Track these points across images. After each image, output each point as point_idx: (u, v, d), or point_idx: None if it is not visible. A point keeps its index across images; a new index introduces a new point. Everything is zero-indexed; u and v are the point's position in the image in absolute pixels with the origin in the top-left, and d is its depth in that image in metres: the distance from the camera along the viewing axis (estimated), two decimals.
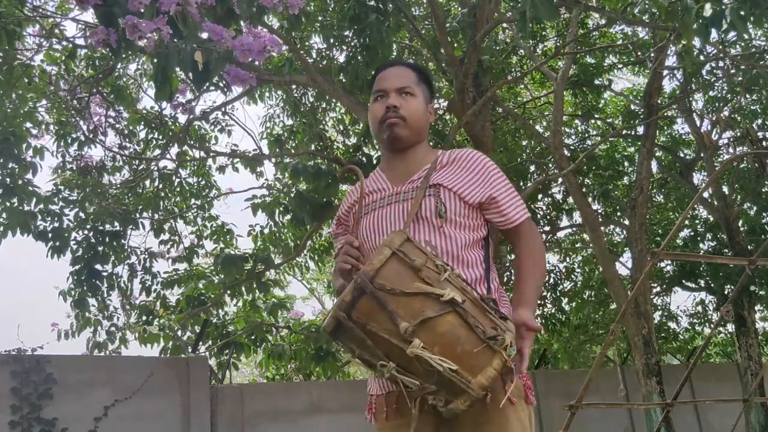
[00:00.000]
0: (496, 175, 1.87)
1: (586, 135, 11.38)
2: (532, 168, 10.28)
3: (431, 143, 7.42)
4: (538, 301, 10.12)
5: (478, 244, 1.83)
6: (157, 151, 7.79)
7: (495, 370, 1.47)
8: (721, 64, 8.46)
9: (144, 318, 7.71)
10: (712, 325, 11.54)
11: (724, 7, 3.16)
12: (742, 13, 3.15)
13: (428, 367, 1.45)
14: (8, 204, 6.32)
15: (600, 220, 9.82)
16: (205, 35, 1.80)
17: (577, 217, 10.55)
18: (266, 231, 8.33)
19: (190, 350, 7.25)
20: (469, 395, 1.46)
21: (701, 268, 11.17)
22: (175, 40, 1.74)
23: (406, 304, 1.48)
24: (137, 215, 7.52)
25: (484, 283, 1.78)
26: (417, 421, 1.63)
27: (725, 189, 10.57)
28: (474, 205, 1.82)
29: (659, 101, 9.10)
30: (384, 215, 1.83)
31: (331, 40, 6.50)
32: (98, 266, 7.09)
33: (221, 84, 6.64)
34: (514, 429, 1.66)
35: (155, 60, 1.75)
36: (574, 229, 11.70)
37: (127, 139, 7.73)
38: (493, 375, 1.47)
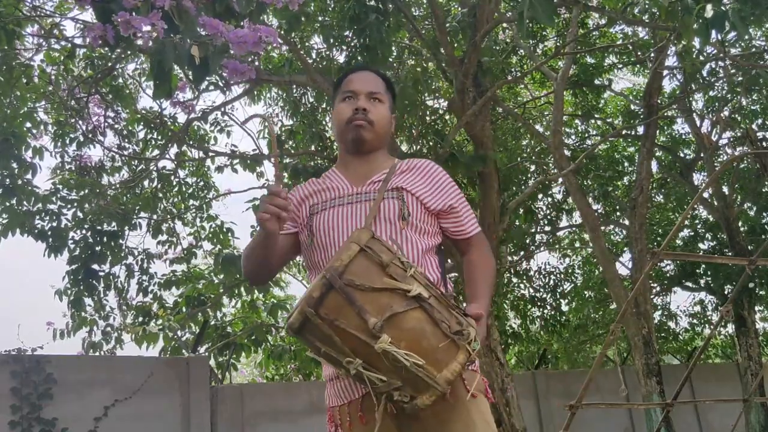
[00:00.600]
0: (453, 186, 1.94)
1: (586, 135, 11.38)
2: (532, 168, 10.28)
3: (431, 143, 7.45)
4: (539, 304, 10.07)
5: (433, 249, 1.87)
6: (156, 152, 7.78)
7: (460, 365, 1.49)
8: (721, 64, 8.46)
9: (140, 319, 7.69)
10: (712, 326, 11.54)
11: (724, 8, 3.16)
12: (743, 14, 3.15)
13: (395, 362, 1.46)
14: (8, 204, 6.32)
15: (600, 220, 9.82)
16: (201, 30, 1.79)
17: (577, 217, 10.55)
18: None
19: (189, 350, 7.25)
20: (434, 390, 1.47)
21: (701, 268, 11.17)
22: (171, 35, 1.74)
23: (374, 300, 1.49)
24: (135, 215, 7.51)
25: (441, 286, 1.81)
26: (380, 426, 1.62)
27: (725, 189, 10.58)
28: (433, 212, 1.87)
29: (659, 101, 9.10)
30: (344, 213, 1.84)
31: (331, 40, 6.50)
32: (95, 266, 7.09)
33: (221, 83, 6.65)
34: (477, 422, 1.67)
35: (153, 55, 1.74)
36: (574, 229, 11.71)
37: (126, 140, 7.73)
38: (458, 369, 1.49)
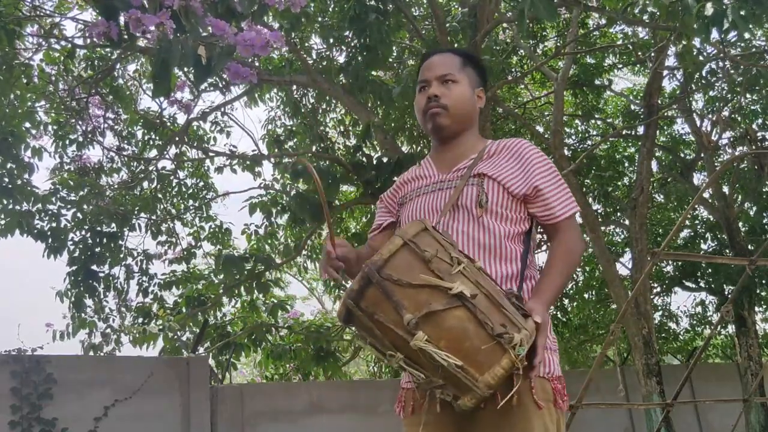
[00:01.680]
0: (543, 165, 1.80)
1: (587, 135, 11.38)
2: None
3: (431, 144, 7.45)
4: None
5: (518, 238, 1.77)
6: (155, 152, 7.79)
7: (503, 369, 1.41)
8: (721, 64, 8.46)
9: (140, 320, 7.69)
10: (712, 326, 11.54)
11: (725, 6, 3.16)
12: (743, 12, 3.15)
13: (433, 361, 1.42)
14: (5, 204, 6.32)
15: (600, 220, 9.82)
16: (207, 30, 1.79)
17: (577, 217, 10.53)
18: (261, 231, 8.31)
19: (189, 350, 7.25)
20: (474, 393, 1.42)
21: (701, 269, 11.17)
22: (178, 34, 1.74)
23: (413, 296, 1.45)
24: (135, 216, 7.52)
25: (516, 280, 1.72)
26: (438, 418, 1.61)
27: (725, 189, 10.57)
28: (518, 197, 1.76)
29: (659, 101, 9.10)
30: (426, 202, 1.81)
31: (331, 41, 6.50)
32: (95, 267, 7.09)
33: (221, 84, 6.65)
34: None
35: (157, 53, 1.74)
36: None
37: (125, 141, 7.73)
38: (500, 374, 1.41)
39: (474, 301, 1.44)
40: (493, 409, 1.52)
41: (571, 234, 1.78)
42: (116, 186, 7.62)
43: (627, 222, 9.26)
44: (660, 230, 11.25)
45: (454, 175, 1.81)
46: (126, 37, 1.78)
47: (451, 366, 1.40)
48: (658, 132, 9.79)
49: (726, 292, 10.84)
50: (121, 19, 1.78)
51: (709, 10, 3.15)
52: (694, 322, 13.01)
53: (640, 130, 9.10)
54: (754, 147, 8.44)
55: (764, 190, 10.74)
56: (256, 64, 6.80)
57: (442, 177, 1.83)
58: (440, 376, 1.45)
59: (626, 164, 11.05)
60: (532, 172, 1.78)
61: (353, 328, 1.57)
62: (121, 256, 7.47)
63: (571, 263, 1.75)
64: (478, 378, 1.42)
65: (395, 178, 1.96)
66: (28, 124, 6.52)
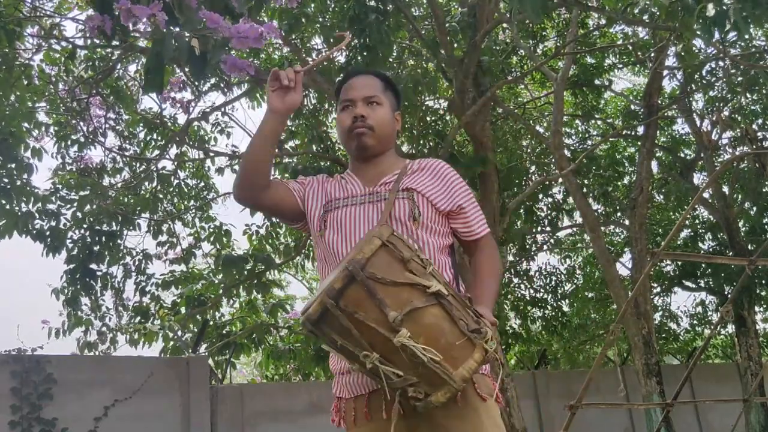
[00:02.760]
0: (463, 187, 1.94)
1: (587, 135, 11.38)
2: (532, 168, 10.28)
3: (431, 143, 7.45)
4: (540, 304, 10.06)
5: (446, 250, 1.88)
6: (156, 152, 7.79)
7: (476, 363, 1.50)
8: (721, 64, 8.46)
9: (137, 319, 7.68)
10: (712, 326, 11.54)
11: (725, 7, 3.16)
12: (745, 13, 3.14)
13: (413, 357, 1.46)
14: (2, 204, 6.31)
15: (600, 220, 9.82)
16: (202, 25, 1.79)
17: (577, 217, 10.55)
18: (262, 231, 8.31)
19: (189, 350, 7.25)
20: (450, 387, 1.48)
21: (701, 269, 11.17)
22: (172, 27, 1.74)
23: (395, 294, 1.49)
24: (136, 216, 7.52)
25: (454, 287, 1.81)
26: (387, 424, 1.63)
27: (725, 189, 10.57)
28: (443, 213, 1.88)
29: (659, 101, 9.10)
30: (357, 213, 1.86)
31: (331, 41, 6.50)
32: (93, 266, 7.08)
33: (222, 83, 6.65)
34: (487, 425, 1.68)
35: (151, 47, 1.74)
36: (574, 229, 11.71)
37: (126, 141, 7.73)
38: (474, 367, 1.50)
39: (449, 299, 1.52)
40: (441, 409, 1.59)
41: (493, 248, 1.95)
42: (118, 186, 7.62)
43: (627, 222, 9.26)
44: (660, 230, 11.25)
45: (382, 188, 1.88)
46: (119, 30, 1.77)
47: (431, 361, 1.46)
48: (658, 132, 9.79)
49: (726, 292, 10.84)
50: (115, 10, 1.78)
51: (711, 11, 3.15)
52: (694, 322, 13.02)
53: (640, 130, 9.10)
54: (753, 147, 8.44)
55: (764, 190, 10.74)
56: (256, 62, 6.80)
57: (370, 190, 1.90)
58: (416, 373, 1.49)
59: (626, 164, 11.06)
60: (454, 190, 1.91)
61: (318, 332, 1.54)
62: (120, 255, 7.46)
63: (498, 274, 1.91)
64: (453, 372, 1.48)
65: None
66: (28, 125, 6.52)
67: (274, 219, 8.14)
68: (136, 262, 7.73)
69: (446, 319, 1.51)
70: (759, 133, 9.99)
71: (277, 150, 8.04)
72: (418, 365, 1.47)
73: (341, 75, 6.58)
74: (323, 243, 1.87)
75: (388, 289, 1.49)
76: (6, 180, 6.27)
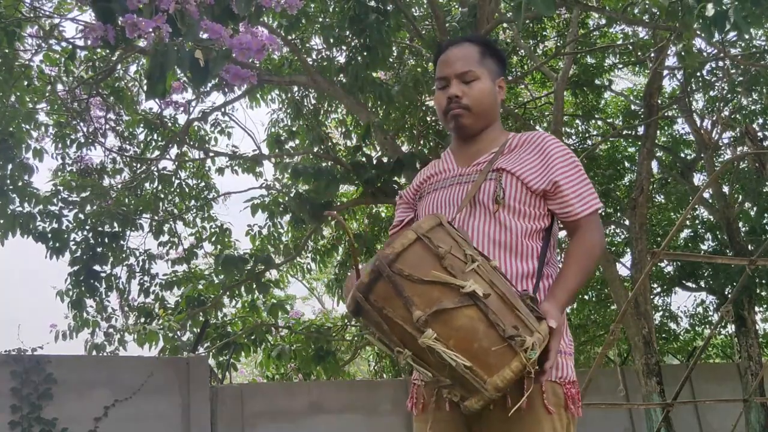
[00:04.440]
0: (565, 160, 1.74)
1: (587, 135, 11.38)
2: None
3: (431, 143, 7.44)
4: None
5: (537, 234, 1.72)
6: (157, 153, 7.79)
7: (512, 372, 1.37)
8: (721, 64, 8.46)
9: (142, 319, 7.71)
10: (712, 326, 11.54)
11: (726, 7, 3.16)
12: (745, 13, 3.14)
13: (441, 360, 1.38)
14: (1, 205, 6.31)
15: (600, 220, 9.81)
16: (204, 34, 1.80)
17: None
18: (264, 231, 8.32)
19: (189, 351, 7.25)
20: (482, 395, 1.38)
21: (701, 269, 11.17)
22: (174, 38, 1.74)
23: (424, 293, 1.40)
24: (138, 216, 7.52)
25: (533, 278, 1.68)
26: (448, 417, 1.59)
27: (725, 189, 10.58)
28: (538, 192, 1.71)
29: (659, 101, 9.10)
30: (444, 196, 1.78)
31: (331, 41, 6.50)
32: (97, 267, 7.09)
33: (221, 84, 6.65)
34: None
35: (153, 57, 1.74)
36: None
37: (127, 141, 7.73)
38: (509, 377, 1.37)
39: (486, 301, 1.40)
40: (503, 412, 1.50)
41: (591, 232, 1.72)
42: (119, 186, 7.63)
43: (627, 222, 9.26)
44: (660, 230, 11.25)
45: (473, 170, 1.77)
46: (122, 39, 1.78)
47: (459, 366, 1.37)
48: (658, 132, 9.79)
49: (726, 292, 10.84)
50: (119, 21, 1.78)
51: (711, 11, 3.15)
52: (694, 322, 13.01)
53: (640, 130, 9.10)
54: (754, 146, 8.44)
55: (764, 190, 10.74)
56: (257, 63, 6.80)
57: (462, 171, 1.80)
58: (448, 375, 1.41)
59: (626, 164, 11.06)
60: (552, 166, 1.72)
61: (361, 322, 1.55)
62: (123, 256, 7.47)
63: (589, 263, 1.69)
64: (486, 380, 1.38)
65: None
66: (28, 126, 6.52)
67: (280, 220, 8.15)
68: (140, 263, 7.74)
69: (483, 322, 1.39)
70: (759, 133, 9.99)
71: (277, 150, 8.05)
72: (447, 368, 1.39)
73: (341, 74, 6.58)
74: None
75: (416, 287, 1.40)
76: (8, 182, 6.27)
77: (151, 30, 1.70)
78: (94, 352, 7.41)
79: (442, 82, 1.83)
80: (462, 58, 1.82)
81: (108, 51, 6.36)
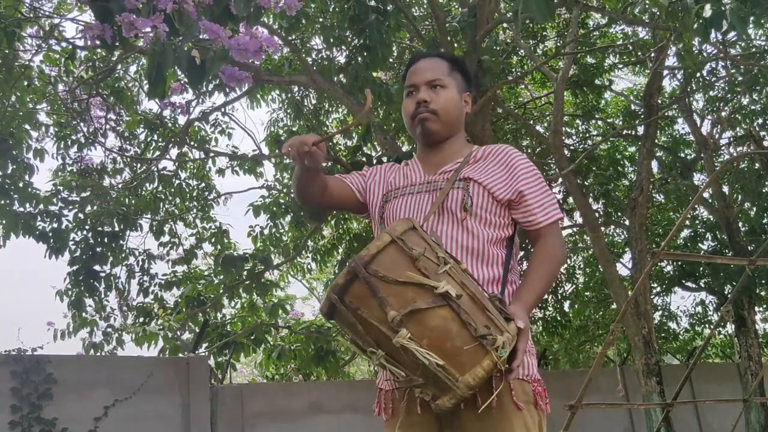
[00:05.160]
0: (528, 172, 1.82)
1: (587, 135, 11.38)
2: None
3: None
4: (540, 305, 10.03)
5: (501, 243, 1.78)
6: (157, 153, 7.79)
7: (484, 371, 1.42)
8: (721, 64, 8.47)
9: (141, 319, 7.71)
10: (712, 326, 11.53)
11: (724, 8, 3.16)
12: (742, 14, 3.15)
13: (415, 359, 1.42)
14: (3, 205, 6.31)
15: (600, 220, 9.82)
16: (202, 35, 1.80)
17: (577, 217, 10.55)
18: (266, 232, 8.33)
19: (189, 350, 7.25)
20: (454, 393, 1.43)
21: (701, 268, 11.17)
22: (172, 38, 1.74)
23: (398, 293, 1.45)
24: (138, 216, 7.53)
25: (498, 284, 1.74)
26: (420, 419, 1.62)
27: (725, 189, 10.58)
28: (503, 202, 1.78)
29: (659, 101, 9.10)
30: (412, 202, 1.82)
31: (331, 41, 6.50)
32: (96, 267, 7.09)
33: (222, 84, 6.65)
34: None
35: (151, 57, 1.74)
36: (574, 229, 11.71)
37: (127, 142, 7.74)
38: (481, 375, 1.42)
39: (459, 302, 1.45)
40: (473, 411, 1.54)
41: (553, 240, 1.79)
42: (119, 187, 7.63)
43: (627, 222, 9.26)
44: (660, 230, 11.25)
45: (440, 177, 1.83)
46: (119, 39, 1.78)
47: (432, 365, 1.41)
48: (658, 132, 9.79)
49: (726, 292, 10.84)
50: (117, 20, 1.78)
51: (708, 11, 3.15)
52: (694, 322, 13.01)
53: (640, 130, 9.10)
54: (757, 146, 8.45)
55: (764, 190, 10.74)
56: (256, 63, 6.80)
57: (429, 178, 1.85)
58: (421, 374, 1.45)
59: (626, 164, 11.06)
60: (517, 177, 1.80)
61: (335, 322, 1.56)
62: (123, 256, 7.47)
63: (552, 269, 1.76)
64: (459, 378, 1.42)
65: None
66: (28, 126, 6.52)
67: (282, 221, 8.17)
68: (140, 263, 7.75)
69: (456, 321, 1.44)
70: (761, 133, 9.99)
71: (278, 150, 8.04)
72: (420, 367, 1.43)
73: (341, 74, 6.59)
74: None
75: (391, 288, 1.45)
76: (9, 181, 6.27)
77: (148, 29, 1.70)
78: (92, 351, 7.41)
79: (411, 88, 1.90)
80: (431, 69, 1.89)
81: (107, 51, 6.36)
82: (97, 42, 1.80)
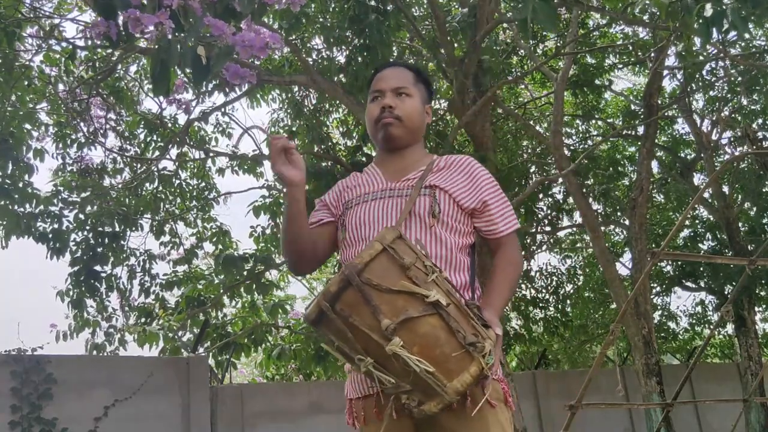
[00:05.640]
0: (490, 182, 1.89)
1: (587, 135, 11.39)
2: (532, 168, 10.28)
3: (432, 144, 7.44)
4: (541, 305, 10.04)
5: (465, 250, 1.83)
6: (157, 153, 7.79)
7: (471, 377, 1.47)
8: (721, 64, 8.47)
9: (143, 319, 7.71)
10: (712, 326, 11.54)
11: (724, 7, 3.16)
12: (743, 13, 3.15)
13: (405, 366, 1.45)
14: (3, 205, 6.31)
15: (600, 220, 9.82)
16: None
17: (577, 217, 10.56)
18: (267, 232, 8.32)
19: (189, 350, 7.25)
20: (442, 398, 1.46)
21: (701, 269, 11.18)
22: (177, 34, 1.74)
23: (390, 302, 1.48)
24: (139, 216, 7.52)
25: (468, 289, 1.79)
26: (396, 425, 1.64)
27: (725, 189, 10.58)
28: (467, 211, 1.84)
29: (659, 101, 9.10)
30: (377, 208, 1.83)
31: (332, 41, 6.50)
32: (97, 267, 7.09)
33: (222, 84, 6.65)
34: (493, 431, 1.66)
35: (155, 54, 1.73)
36: (574, 229, 11.72)
37: (127, 141, 7.74)
38: (468, 381, 1.47)
39: (448, 310, 1.49)
40: (450, 412, 1.58)
41: (513, 249, 1.87)
42: (119, 186, 7.63)
43: (627, 222, 9.26)
44: (660, 230, 11.26)
45: (404, 184, 1.85)
46: (125, 36, 1.78)
47: (423, 372, 1.44)
48: (658, 132, 9.79)
49: (726, 292, 10.84)
50: (120, 19, 1.78)
51: (709, 10, 3.15)
52: (694, 322, 13.02)
53: (640, 130, 9.11)
54: (753, 145, 8.45)
55: (764, 190, 10.74)
56: (257, 63, 6.80)
57: (391, 185, 1.86)
58: (409, 381, 1.48)
59: (626, 164, 11.06)
60: (481, 187, 1.86)
61: (319, 331, 1.57)
62: (124, 256, 7.47)
63: (515, 276, 1.84)
64: (447, 384, 1.45)
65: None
66: (28, 126, 6.52)
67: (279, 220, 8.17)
68: (141, 263, 7.74)
69: (444, 329, 1.48)
70: (759, 133, 9.99)
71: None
72: (410, 374, 1.46)
73: (341, 74, 6.59)
74: (344, 241, 1.86)
75: (383, 296, 1.48)
76: (9, 182, 6.27)
77: (153, 26, 1.70)
78: (94, 352, 7.41)
79: (376, 94, 1.93)
80: (398, 77, 1.94)
81: (109, 50, 6.36)
82: (103, 40, 1.79)
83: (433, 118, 8.16)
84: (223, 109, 7.88)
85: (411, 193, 1.80)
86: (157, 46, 1.74)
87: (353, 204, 1.88)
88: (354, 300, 1.49)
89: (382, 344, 1.46)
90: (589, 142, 10.91)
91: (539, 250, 11.48)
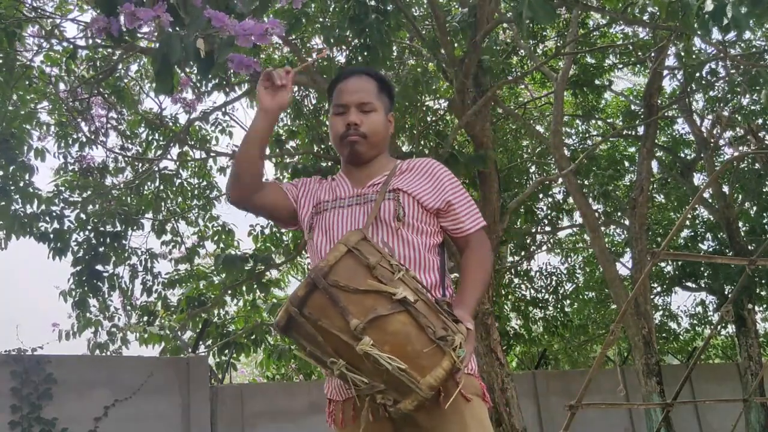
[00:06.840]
0: (453, 183, 1.92)
1: (587, 135, 11.39)
2: (532, 168, 10.28)
3: (432, 144, 7.45)
4: (540, 305, 10.04)
5: (434, 250, 1.86)
6: (158, 152, 7.79)
7: (444, 371, 1.48)
8: (721, 64, 8.47)
9: (145, 318, 7.71)
10: (712, 326, 11.55)
11: (725, 1, 3.16)
12: (743, 9, 3.14)
13: (377, 365, 1.46)
14: (3, 205, 6.31)
15: (600, 220, 9.82)
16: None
17: (577, 217, 10.56)
18: (267, 231, 8.33)
19: (190, 350, 7.25)
20: (417, 395, 1.47)
21: (701, 269, 11.18)
22: (177, 28, 1.74)
23: (358, 302, 1.49)
24: (140, 216, 7.53)
25: (439, 288, 1.81)
26: (374, 427, 1.65)
27: (725, 189, 10.58)
28: (432, 211, 1.87)
29: (659, 101, 9.10)
30: (344, 215, 1.86)
31: (332, 41, 6.50)
32: (99, 267, 7.09)
33: (222, 84, 6.65)
34: (471, 426, 1.66)
35: (157, 50, 1.73)
36: (574, 229, 11.72)
37: (128, 141, 7.74)
38: (441, 375, 1.48)
39: (416, 306, 1.50)
40: (427, 413, 1.59)
41: (482, 246, 1.90)
42: (121, 186, 7.63)
43: (627, 222, 9.27)
44: (660, 230, 11.26)
45: (370, 190, 1.88)
46: (126, 32, 1.77)
47: (395, 369, 1.45)
48: (658, 132, 9.79)
49: (726, 292, 10.84)
50: (122, 16, 1.78)
51: (709, 6, 3.15)
52: (694, 322, 13.03)
53: (640, 130, 9.11)
54: (757, 142, 8.45)
55: (764, 190, 10.75)
56: (257, 61, 6.80)
57: (358, 192, 1.90)
58: (382, 380, 1.49)
59: (626, 164, 11.06)
60: (444, 188, 1.89)
61: (290, 337, 1.58)
62: (125, 255, 7.47)
63: (486, 272, 1.86)
64: (420, 380, 1.46)
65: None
66: (29, 126, 6.52)
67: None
68: (143, 262, 7.75)
69: (413, 326, 1.49)
70: (760, 133, 9.99)
71: (278, 150, 8.06)
72: (383, 373, 1.47)
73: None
74: (312, 245, 1.88)
75: (351, 297, 1.49)
76: (10, 182, 6.27)
77: (151, 19, 1.69)
78: (97, 352, 7.41)
79: (341, 108, 1.94)
80: (362, 90, 1.95)
81: (110, 48, 6.36)
82: (103, 36, 1.79)
83: (433, 118, 8.17)
84: (223, 109, 7.88)
85: (376, 199, 1.84)
86: (158, 43, 1.73)
87: (322, 209, 1.91)
88: (322, 303, 1.50)
89: (353, 345, 1.47)
90: (589, 142, 10.91)
91: (539, 250, 11.49)
